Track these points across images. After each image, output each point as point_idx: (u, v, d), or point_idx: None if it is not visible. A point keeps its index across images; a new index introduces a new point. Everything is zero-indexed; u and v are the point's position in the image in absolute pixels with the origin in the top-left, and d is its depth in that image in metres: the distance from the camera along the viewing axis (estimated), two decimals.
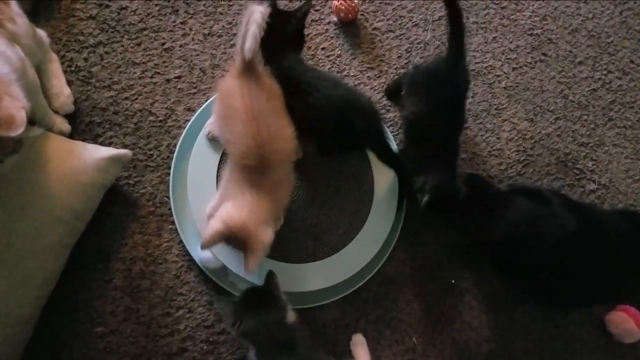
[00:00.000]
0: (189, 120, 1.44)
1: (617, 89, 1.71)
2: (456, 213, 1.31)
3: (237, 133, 1.10)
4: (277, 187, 1.14)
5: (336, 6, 1.56)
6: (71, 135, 1.38)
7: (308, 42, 1.56)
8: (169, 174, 1.41)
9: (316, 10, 1.60)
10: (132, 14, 1.52)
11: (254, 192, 1.09)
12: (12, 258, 1.15)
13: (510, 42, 1.70)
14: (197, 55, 1.52)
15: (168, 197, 1.39)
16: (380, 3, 1.65)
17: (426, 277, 1.45)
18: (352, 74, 1.58)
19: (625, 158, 1.65)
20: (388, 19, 1.64)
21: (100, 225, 1.35)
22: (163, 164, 1.43)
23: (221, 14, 1.57)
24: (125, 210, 1.38)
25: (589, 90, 1.69)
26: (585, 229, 1.27)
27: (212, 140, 1.38)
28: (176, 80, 1.49)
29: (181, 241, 1.37)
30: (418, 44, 1.64)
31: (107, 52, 1.48)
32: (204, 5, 1.56)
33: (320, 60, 1.57)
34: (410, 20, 1.65)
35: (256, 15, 1.07)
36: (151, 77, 1.48)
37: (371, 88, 1.57)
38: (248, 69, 1.11)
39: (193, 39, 1.53)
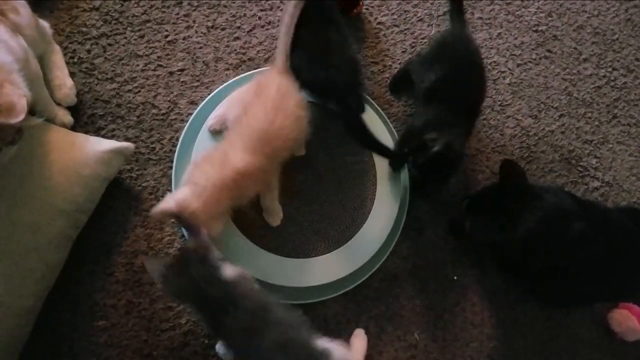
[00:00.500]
0: (191, 114, 1.44)
1: (622, 86, 1.70)
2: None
3: (252, 115, 1.18)
4: (246, 182, 1.15)
5: None
6: (73, 128, 1.37)
7: None
8: (171, 167, 1.40)
9: None
10: (135, 5, 1.51)
11: (219, 184, 1.10)
12: (13, 250, 1.14)
13: (515, 39, 1.69)
14: (201, 48, 1.51)
15: (170, 191, 1.39)
16: None
17: (428, 274, 1.45)
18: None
19: (629, 156, 1.65)
20: (392, 14, 1.63)
21: (101, 219, 1.34)
22: (165, 157, 1.42)
23: (225, 6, 1.56)
24: (127, 204, 1.37)
25: (593, 88, 1.69)
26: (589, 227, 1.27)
27: (215, 133, 1.37)
28: (179, 73, 1.49)
29: (183, 235, 1.36)
30: (422, 39, 1.63)
31: (110, 44, 1.47)
32: None
33: None
34: (415, 15, 1.65)
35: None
36: (154, 70, 1.47)
37: (375, 82, 1.56)
38: (287, 70, 1.26)
39: (196, 32, 1.52)
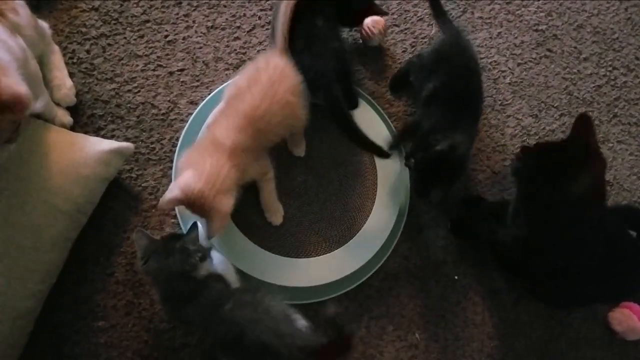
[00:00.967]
0: (191, 114, 1.43)
1: (622, 85, 1.70)
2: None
3: (240, 97, 1.19)
4: (242, 158, 1.17)
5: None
6: (73, 128, 1.36)
7: None
8: (171, 167, 1.40)
9: None
10: (134, 5, 1.51)
11: (215, 161, 1.12)
12: (13, 251, 1.13)
13: (515, 38, 1.69)
14: (200, 48, 1.51)
15: None
16: None
17: (429, 273, 1.45)
18: (355, 68, 1.56)
19: (629, 155, 1.65)
20: (393, 13, 1.63)
21: (101, 219, 1.33)
22: (165, 158, 1.41)
23: (225, 6, 1.55)
24: (127, 204, 1.37)
25: (593, 87, 1.69)
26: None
27: None
28: (179, 73, 1.48)
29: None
30: (423, 38, 1.63)
31: (109, 44, 1.47)
32: None
33: None
34: (415, 15, 1.64)
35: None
36: (154, 70, 1.47)
37: (375, 82, 1.56)
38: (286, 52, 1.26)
39: (196, 32, 1.52)
